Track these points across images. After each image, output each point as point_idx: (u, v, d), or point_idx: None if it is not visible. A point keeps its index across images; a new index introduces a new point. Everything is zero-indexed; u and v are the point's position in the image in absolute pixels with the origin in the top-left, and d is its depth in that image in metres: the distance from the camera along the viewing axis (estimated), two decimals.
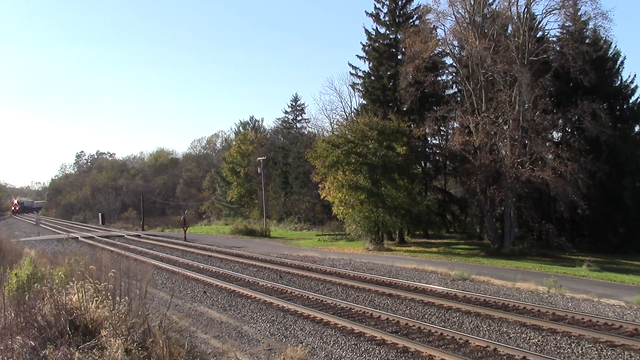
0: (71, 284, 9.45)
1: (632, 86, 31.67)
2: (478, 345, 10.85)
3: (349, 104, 61.21)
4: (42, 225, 55.85)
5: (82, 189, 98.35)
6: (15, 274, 10.76)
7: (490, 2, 31.71)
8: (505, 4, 29.91)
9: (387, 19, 36.87)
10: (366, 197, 31.02)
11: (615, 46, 31.74)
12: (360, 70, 38.93)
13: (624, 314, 13.83)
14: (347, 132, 34.23)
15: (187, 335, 10.59)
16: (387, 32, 37.16)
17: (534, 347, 11.14)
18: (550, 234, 27.55)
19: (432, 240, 35.89)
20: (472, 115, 29.78)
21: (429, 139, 37.61)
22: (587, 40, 29.99)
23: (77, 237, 40.96)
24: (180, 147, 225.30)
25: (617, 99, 31.64)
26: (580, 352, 10.68)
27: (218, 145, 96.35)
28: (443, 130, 37.71)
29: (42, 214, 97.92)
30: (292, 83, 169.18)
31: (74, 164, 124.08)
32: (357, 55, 38.17)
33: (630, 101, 31.92)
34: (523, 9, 29.29)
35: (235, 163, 65.52)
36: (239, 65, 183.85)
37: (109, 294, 9.33)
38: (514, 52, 28.60)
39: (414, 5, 36.85)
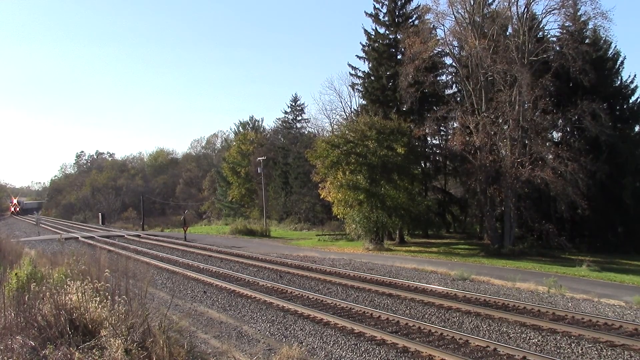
0: (71, 284, 9.44)
1: (632, 86, 31.79)
2: (478, 345, 10.85)
3: (349, 104, 61.01)
4: (42, 225, 55.83)
5: (82, 189, 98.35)
6: (15, 274, 10.75)
7: (490, 2, 31.79)
8: (505, 4, 30.01)
9: (386, 19, 36.92)
10: (365, 197, 31.03)
11: (615, 46, 31.93)
12: (360, 70, 39.10)
13: (624, 314, 13.84)
14: (346, 132, 34.23)
15: (187, 335, 10.57)
16: (387, 32, 37.23)
17: (534, 347, 11.13)
18: (550, 234, 27.58)
19: (432, 240, 35.89)
20: (472, 115, 29.78)
21: (429, 139, 37.68)
22: (587, 40, 30.04)
23: (77, 237, 40.97)
24: (180, 147, 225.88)
25: (617, 99, 31.69)
26: (580, 352, 10.68)
27: (218, 145, 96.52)
28: (443, 130, 37.77)
29: (42, 214, 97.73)
30: (292, 83, 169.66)
31: (74, 164, 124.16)
32: (356, 55, 38.40)
33: (630, 101, 32.02)
34: (523, 9, 29.39)
35: (235, 163, 65.51)
36: (239, 65, 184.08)
37: (108, 294, 9.32)
38: (514, 52, 28.61)
39: (413, 5, 37.04)
